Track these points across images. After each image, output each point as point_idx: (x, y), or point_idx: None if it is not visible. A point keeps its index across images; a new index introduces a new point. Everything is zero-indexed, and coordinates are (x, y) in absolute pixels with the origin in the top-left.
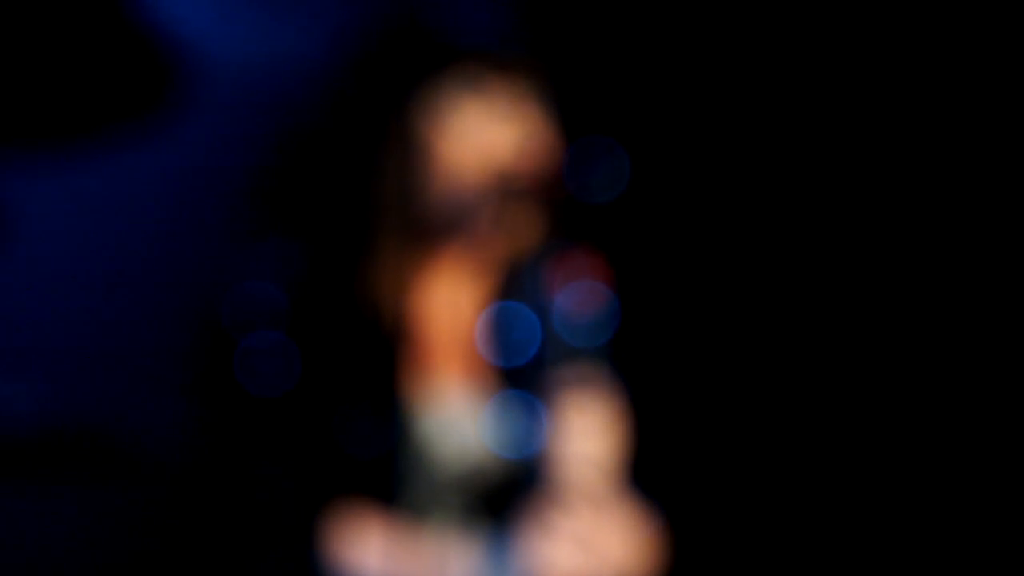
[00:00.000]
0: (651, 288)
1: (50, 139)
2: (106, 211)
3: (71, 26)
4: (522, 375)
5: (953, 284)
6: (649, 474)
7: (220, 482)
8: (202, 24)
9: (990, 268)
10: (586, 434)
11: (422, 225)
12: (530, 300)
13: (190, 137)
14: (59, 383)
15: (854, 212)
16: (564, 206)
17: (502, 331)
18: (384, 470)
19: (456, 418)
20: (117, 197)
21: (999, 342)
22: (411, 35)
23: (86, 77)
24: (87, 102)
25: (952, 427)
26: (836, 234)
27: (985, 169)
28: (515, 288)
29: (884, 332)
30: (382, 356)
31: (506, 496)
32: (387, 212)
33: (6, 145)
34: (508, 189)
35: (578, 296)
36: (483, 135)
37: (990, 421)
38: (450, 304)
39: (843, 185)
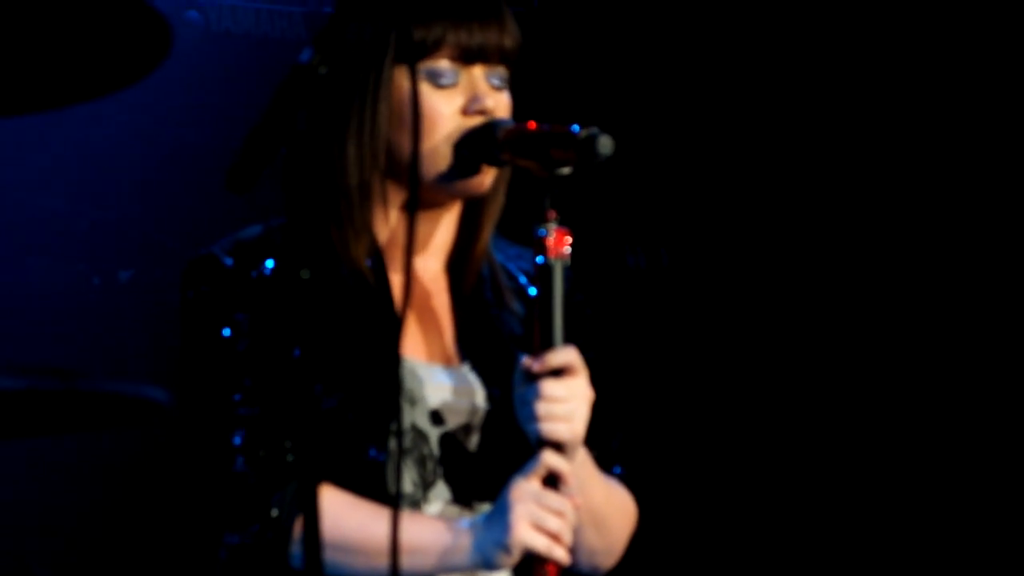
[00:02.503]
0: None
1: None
2: (89, 173)
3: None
4: (515, 341)
5: (950, 285)
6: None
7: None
8: None
9: (990, 268)
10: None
11: (407, 178)
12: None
13: (176, 104)
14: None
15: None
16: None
17: (494, 293)
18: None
19: (446, 381)
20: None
21: (999, 342)
22: None
23: (76, 43)
24: (75, 67)
25: (948, 428)
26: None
27: (985, 169)
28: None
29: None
30: (368, 321)
31: (497, 462)
32: (373, 168)
33: None
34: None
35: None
36: (463, 86)
37: (990, 421)
38: (434, 258)
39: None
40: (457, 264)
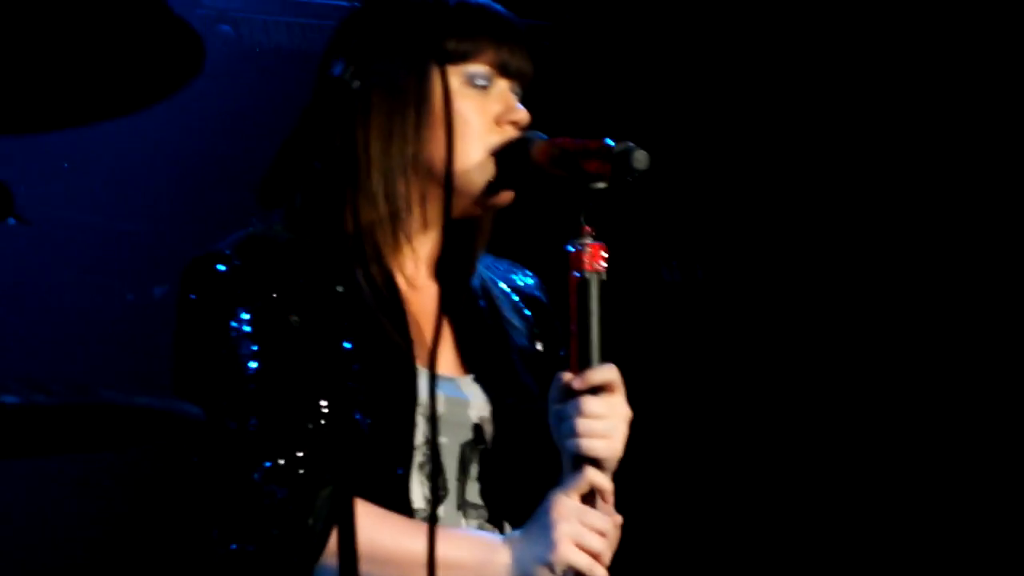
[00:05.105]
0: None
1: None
2: (116, 189)
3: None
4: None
5: (946, 286)
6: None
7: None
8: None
9: (990, 269)
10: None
11: (442, 187)
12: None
13: (209, 117)
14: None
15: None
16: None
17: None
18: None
19: (459, 394)
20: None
21: (999, 342)
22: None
23: (108, 57)
24: (107, 81)
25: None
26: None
27: (985, 169)
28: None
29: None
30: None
31: (509, 474)
32: (413, 179)
33: (15, 127)
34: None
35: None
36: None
37: (990, 421)
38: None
39: (837, 182)
40: (448, 275)
